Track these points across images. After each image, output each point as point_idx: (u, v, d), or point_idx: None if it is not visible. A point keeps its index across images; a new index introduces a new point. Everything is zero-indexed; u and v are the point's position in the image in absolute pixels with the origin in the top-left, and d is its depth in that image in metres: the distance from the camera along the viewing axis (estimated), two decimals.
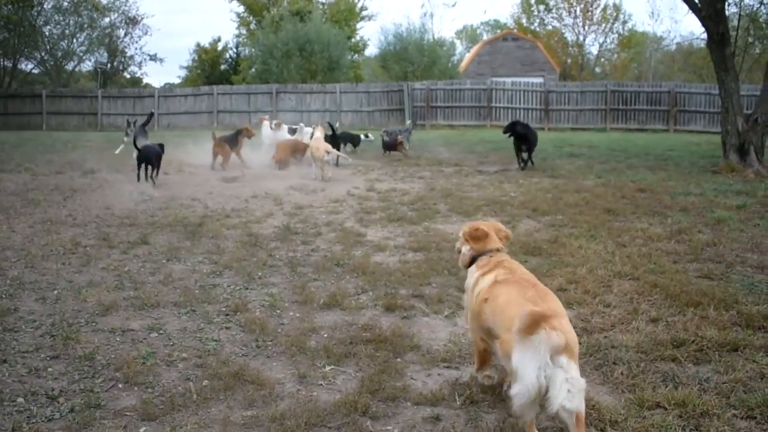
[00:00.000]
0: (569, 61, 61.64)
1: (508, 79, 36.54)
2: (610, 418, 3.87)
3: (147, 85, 52.45)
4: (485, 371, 4.33)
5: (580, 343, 4.98)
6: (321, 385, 4.46)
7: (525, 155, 16.55)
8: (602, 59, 64.91)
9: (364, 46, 53.20)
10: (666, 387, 4.29)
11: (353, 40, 50.20)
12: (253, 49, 46.75)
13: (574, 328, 5.29)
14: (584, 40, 62.14)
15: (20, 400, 4.17)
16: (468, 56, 53.82)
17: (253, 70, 45.24)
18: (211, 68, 53.70)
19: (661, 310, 5.78)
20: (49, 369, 4.66)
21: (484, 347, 4.21)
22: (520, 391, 3.27)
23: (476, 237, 4.46)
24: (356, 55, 51.65)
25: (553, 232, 8.93)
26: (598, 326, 5.42)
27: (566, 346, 3.27)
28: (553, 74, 46.99)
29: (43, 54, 45.80)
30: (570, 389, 3.20)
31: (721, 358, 4.77)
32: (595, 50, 63.71)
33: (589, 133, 29.21)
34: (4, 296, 6.27)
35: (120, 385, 4.41)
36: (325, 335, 5.34)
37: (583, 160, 18.04)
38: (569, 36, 62.49)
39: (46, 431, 3.74)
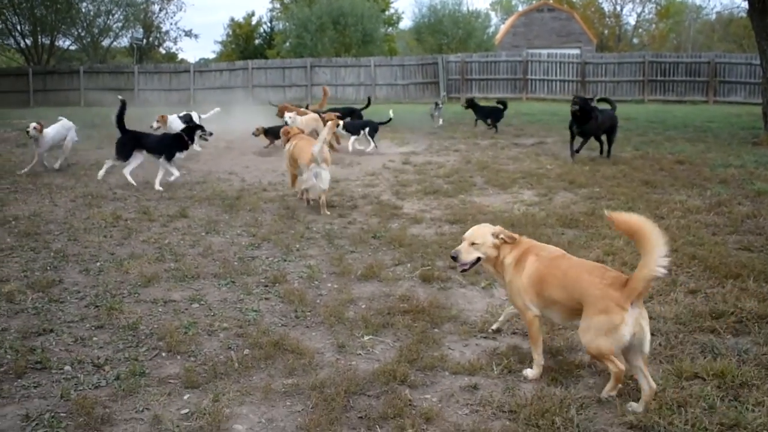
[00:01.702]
0: (606, 32, 60.83)
1: (544, 51, 36.13)
2: None
3: (182, 61, 52.73)
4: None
5: None
6: (360, 354, 4.51)
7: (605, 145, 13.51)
8: (640, 30, 63.97)
9: (398, 18, 53.05)
10: (705, 358, 4.27)
11: (387, 12, 49.97)
12: (287, 23, 46.67)
13: None
14: (621, 10, 61.41)
15: (67, 368, 4.28)
16: (503, 28, 53.22)
17: (288, 44, 45.21)
18: (245, 43, 53.84)
19: (700, 282, 5.74)
20: (95, 338, 4.77)
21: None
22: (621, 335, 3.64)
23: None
24: (390, 28, 51.40)
25: (590, 204, 8.87)
26: None
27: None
28: (589, 45, 46.32)
29: (79, 30, 46.29)
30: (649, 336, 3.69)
31: (760, 330, 4.74)
32: (632, 20, 62.96)
33: (626, 105, 28.73)
34: (49, 268, 6.40)
35: (163, 354, 4.50)
36: (363, 306, 5.39)
37: (621, 132, 17.70)
38: (606, 6, 61.72)
39: (93, 398, 3.83)
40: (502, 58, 34.77)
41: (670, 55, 35.24)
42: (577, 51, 39.50)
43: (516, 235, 4.39)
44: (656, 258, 3.52)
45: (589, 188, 10.00)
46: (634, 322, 3.62)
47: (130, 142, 10.83)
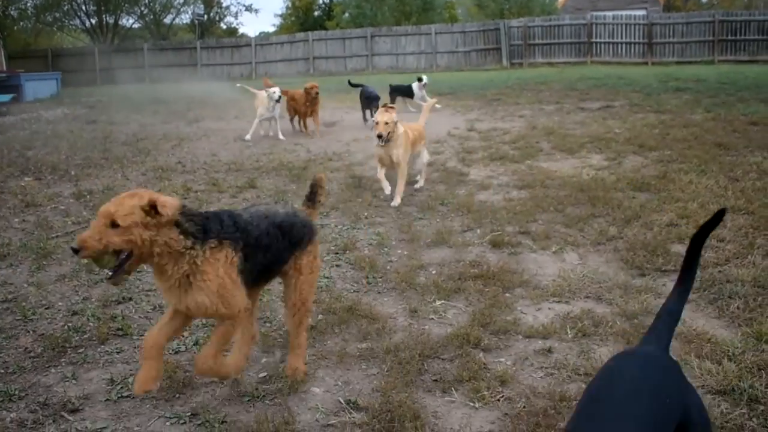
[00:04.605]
0: None
1: (609, 13, 35.21)
2: (727, 352, 3.79)
3: (243, 35, 53.12)
4: None
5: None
6: (432, 319, 4.52)
7: None
8: None
9: None
10: None
11: None
12: None
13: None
14: None
15: None
16: None
17: (347, 14, 45.17)
18: (305, 15, 53.88)
19: None
20: None
21: None
22: None
23: None
24: None
25: (661, 167, 8.68)
26: (712, 261, 5.29)
27: None
28: (656, 6, 44.94)
29: (142, 9, 46.99)
30: None
31: None
32: None
33: (695, 66, 27.98)
34: None
35: None
36: (434, 272, 5.40)
37: (690, 94, 17.34)
38: None
39: (174, 362, 3.93)
40: (565, 22, 34.02)
41: (741, 13, 33.91)
42: (643, 12, 38.41)
43: None
44: None
45: (660, 151, 9.78)
46: None
47: None
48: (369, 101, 14.36)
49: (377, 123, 7.66)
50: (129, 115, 18.71)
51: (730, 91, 17.74)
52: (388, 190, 7.88)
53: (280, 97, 12.88)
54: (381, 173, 8.09)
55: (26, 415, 3.46)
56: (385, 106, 8.33)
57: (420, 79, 17.03)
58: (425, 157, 8.60)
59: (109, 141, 13.38)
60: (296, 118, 14.07)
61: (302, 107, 13.48)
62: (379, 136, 7.59)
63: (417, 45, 35.59)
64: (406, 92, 17.16)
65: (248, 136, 13.05)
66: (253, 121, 13.32)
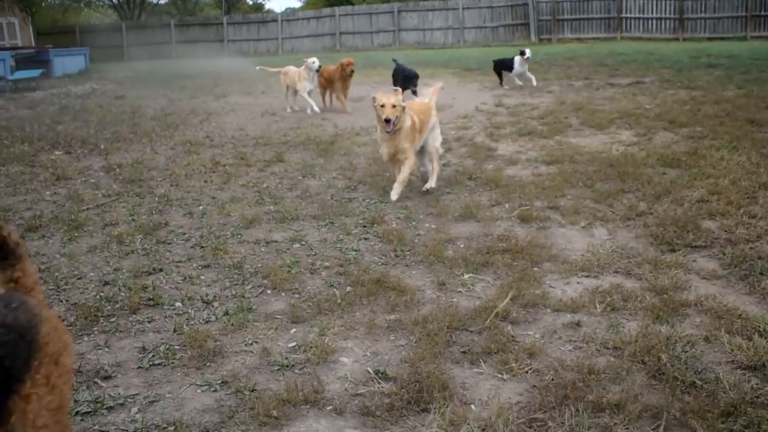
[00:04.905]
0: None
1: None
2: (758, 328, 3.74)
3: (269, 11, 53.06)
4: None
5: (724, 254, 4.86)
6: (460, 291, 4.52)
7: None
8: None
9: None
10: None
11: None
12: None
13: (717, 239, 5.17)
14: None
15: (178, 304, 4.45)
16: None
17: None
18: None
19: None
20: (202, 277, 4.93)
21: None
22: None
23: None
24: None
25: (692, 144, 8.57)
26: (743, 237, 5.22)
27: None
28: None
29: None
30: None
31: None
32: None
33: (727, 42, 27.50)
34: (154, 212, 6.64)
35: (268, 291, 4.63)
36: (462, 245, 5.39)
37: (722, 70, 17.07)
38: None
39: (204, 332, 3.97)
40: None
41: None
42: None
43: None
44: None
45: (691, 127, 9.65)
46: None
47: None
48: (407, 80, 13.42)
49: (383, 105, 6.50)
50: (157, 90, 18.83)
51: (763, 67, 17.42)
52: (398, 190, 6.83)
53: (319, 66, 12.88)
54: (391, 166, 7.14)
55: None
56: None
57: (522, 53, 15.78)
58: (437, 139, 7.34)
59: (138, 116, 13.48)
60: (327, 93, 14.05)
61: (336, 83, 13.42)
62: (387, 121, 6.49)
63: (444, 20, 35.34)
64: (510, 66, 16.11)
65: (310, 110, 13.23)
66: (302, 98, 13.43)
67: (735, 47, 23.87)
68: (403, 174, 6.82)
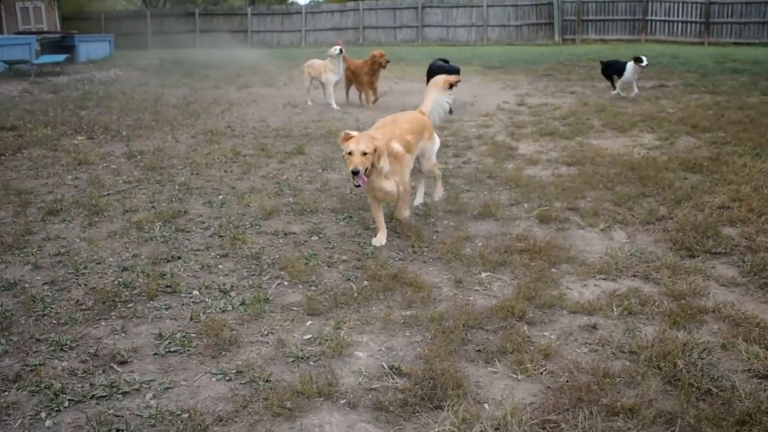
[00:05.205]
0: None
1: None
2: None
3: (293, 3, 53.05)
4: None
5: (744, 262, 4.82)
6: (477, 290, 4.52)
7: None
8: None
9: None
10: None
11: None
12: None
13: (737, 246, 5.13)
14: None
15: (195, 292, 4.48)
16: None
17: None
18: None
19: None
20: (220, 266, 4.96)
21: None
22: None
23: None
24: None
25: (715, 149, 8.51)
26: (764, 245, 5.18)
27: None
28: None
29: None
30: None
31: None
32: None
33: (753, 47, 27.23)
34: (174, 200, 6.68)
35: (285, 283, 4.64)
36: (480, 244, 5.38)
37: (747, 76, 16.91)
38: None
39: (220, 321, 3.99)
40: None
41: None
42: None
43: None
44: None
45: (714, 133, 9.58)
46: None
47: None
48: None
49: (351, 153, 5.04)
50: (180, 78, 18.92)
51: None
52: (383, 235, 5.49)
53: (341, 49, 12.83)
54: (375, 208, 5.57)
55: (77, 365, 3.55)
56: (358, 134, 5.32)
57: (639, 60, 13.55)
58: (432, 156, 6.33)
59: (160, 103, 13.56)
60: (352, 88, 13.95)
61: (362, 77, 13.29)
62: (356, 173, 5.00)
63: (468, 17, 35.19)
64: (621, 70, 14.04)
65: (334, 105, 13.09)
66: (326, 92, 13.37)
67: (761, 53, 23.63)
68: (399, 210, 5.73)
